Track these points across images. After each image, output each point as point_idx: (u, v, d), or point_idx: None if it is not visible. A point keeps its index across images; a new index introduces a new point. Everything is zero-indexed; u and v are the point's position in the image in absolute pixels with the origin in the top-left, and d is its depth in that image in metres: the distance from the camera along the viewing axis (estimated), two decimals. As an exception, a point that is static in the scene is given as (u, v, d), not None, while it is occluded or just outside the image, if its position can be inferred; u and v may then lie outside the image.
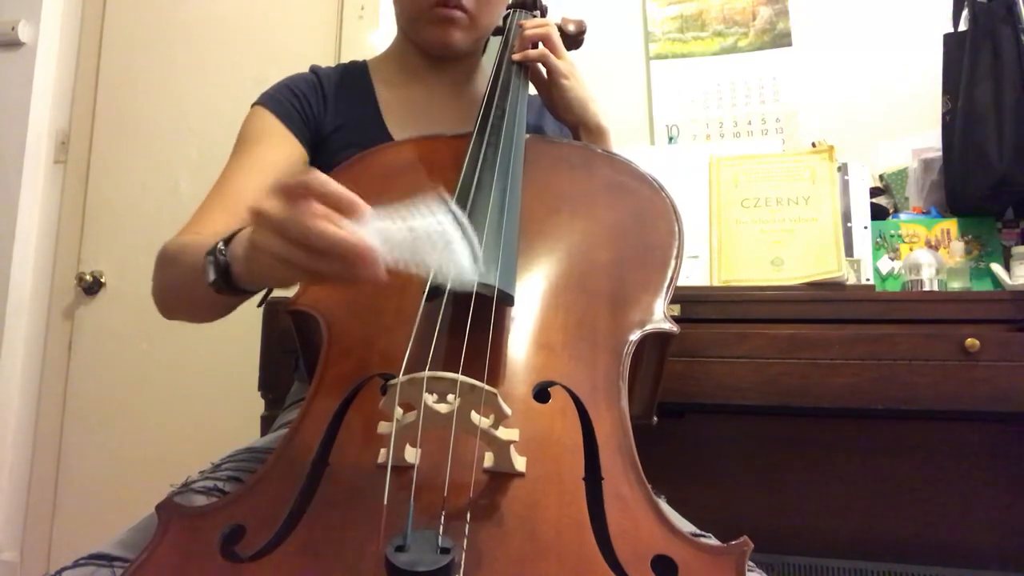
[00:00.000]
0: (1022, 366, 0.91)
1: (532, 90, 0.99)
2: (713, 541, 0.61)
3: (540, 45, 0.97)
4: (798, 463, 1.22)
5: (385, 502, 0.47)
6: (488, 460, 0.51)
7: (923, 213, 1.44)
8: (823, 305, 1.03)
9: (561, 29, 1.03)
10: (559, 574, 0.46)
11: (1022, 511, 1.17)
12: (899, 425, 1.16)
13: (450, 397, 0.50)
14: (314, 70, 1.02)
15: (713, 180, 1.30)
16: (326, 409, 0.58)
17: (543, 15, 1.11)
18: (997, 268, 1.28)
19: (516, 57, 0.95)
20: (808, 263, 1.18)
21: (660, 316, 0.66)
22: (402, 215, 0.49)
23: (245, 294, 0.66)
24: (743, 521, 0.70)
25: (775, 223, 1.23)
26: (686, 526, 0.66)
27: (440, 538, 0.44)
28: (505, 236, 0.65)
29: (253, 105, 0.96)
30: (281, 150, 0.92)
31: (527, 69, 0.96)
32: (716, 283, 1.21)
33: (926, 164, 1.48)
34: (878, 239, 1.37)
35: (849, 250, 1.26)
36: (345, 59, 1.16)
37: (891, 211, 1.47)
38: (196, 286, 0.64)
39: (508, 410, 0.49)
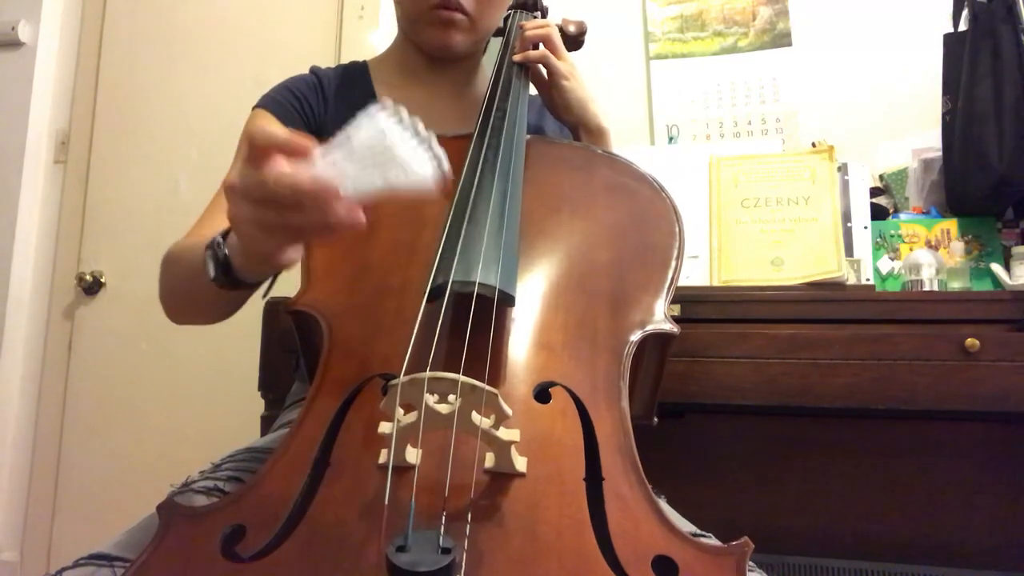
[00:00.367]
0: (1022, 366, 0.91)
1: (533, 91, 0.99)
2: (713, 541, 0.61)
3: (541, 46, 0.97)
4: (798, 463, 1.22)
5: (386, 502, 0.47)
6: (489, 460, 0.51)
7: (923, 213, 1.44)
8: (823, 305, 1.03)
9: (562, 30, 1.03)
10: (560, 574, 0.46)
11: (1022, 511, 1.17)
12: (899, 425, 1.16)
13: (451, 397, 0.50)
14: (314, 71, 1.02)
15: (713, 180, 1.31)
16: (327, 409, 0.58)
17: (544, 16, 1.11)
18: (997, 268, 1.28)
19: (517, 58, 0.95)
20: (808, 263, 1.18)
21: (661, 316, 0.66)
22: (343, 135, 0.49)
23: (247, 288, 0.66)
24: (743, 521, 0.70)
25: (775, 223, 1.23)
26: (686, 526, 0.66)
27: (441, 538, 0.44)
28: (506, 237, 0.65)
29: (254, 108, 0.96)
30: None
31: (528, 70, 0.96)
32: (716, 283, 1.21)
33: (926, 164, 1.48)
34: (878, 239, 1.37)
35: (849, 250, 1.26)
36: (345, 59, 1.16)
37: (891, 211, 1.47)
38: (199, 285, 0.65)
39: (509, 410, 0.49)
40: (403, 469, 0.51)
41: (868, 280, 1.25)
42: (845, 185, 1.30)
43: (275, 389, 1.10)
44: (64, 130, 2.13)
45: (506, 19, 1.05)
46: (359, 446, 0.55)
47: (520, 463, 0.52)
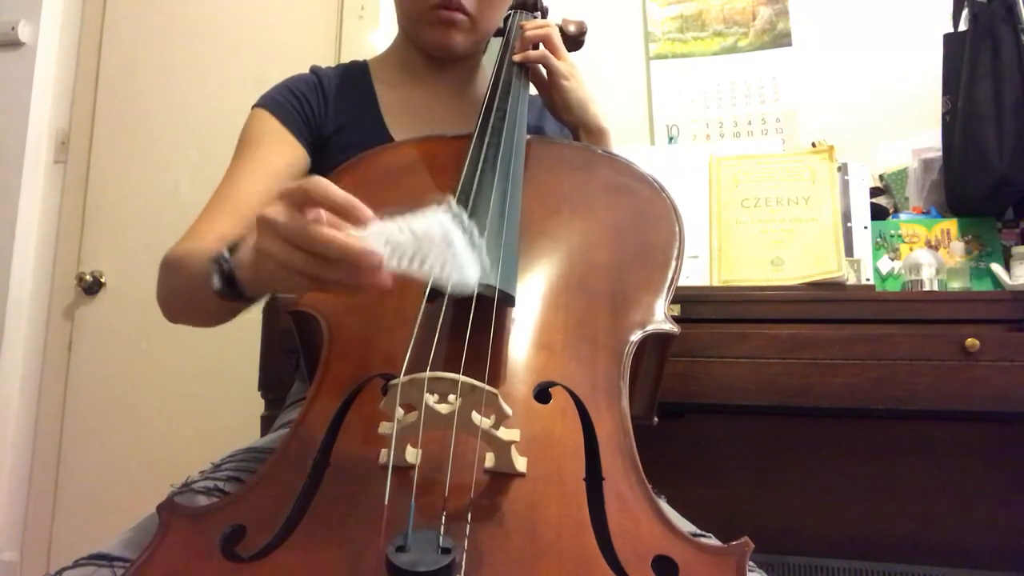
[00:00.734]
0: (1022, 366, 0.91)
1: (533, 91, 0.99)
2: (713, 541, 0.61)
3: (541, 46, 0.97)
4: (798, 463, 1.22)
5: (386, 502, 0.47)
6: (489, 460, 0.51)
7: (923, 213, 1.44)
8: (823, 305, 1.03)
9: (562, 30, 1.03)
10: (560, 574, 0.46)
11: (1022, 511, 1.17)
12: (899, 425, 1.16)
13: (451, 397, 0.50)
14: (314, 71, 1.01)
15: (713, 180, 1.30)
16: (327, 409, 0.58)
17: (544, 16, 1.11)
18: (997, 268, 1.28)
19: (517, 58, 0.95)
20: (808, 263, 1.18)
21: (661, 316, 0.66)
22: (404, 218, 0.49)
23: (250, 300, 0.66)
24: (743, 521, 0.70)
25: (775, 223, 1.23)
26: (686, 526, 0.66)
27: (441, 538, 0.44)
28: (506, 237, 0.65)
29: (253, 107, 0.96)
30: (282, 153, 0.92)
31: (528, 70, 0.96)
32: (716, 283, 1.21)
33: (926, 164, 1.48)
34: (878, 239, 1.37)
35: (849, 250, 1.26)
36: (345, 59, 1.16)
37: (891, 211, 1.47)
38: (201, 293, 0.65)
39: (509, 410, 0.49)
40: (403, 469, 0.51)
41: (868, 280, 1.25)
42: (845, 185, 1.30)
43: (275, 389, 1.10)
44: (64, 130, 2.13)
45: (506, 19, 1.05)
46: (359, 446, 0.55)
47: (520, 463, 0.52)
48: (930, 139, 1.49)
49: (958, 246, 1.34)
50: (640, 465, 0.55)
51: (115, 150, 2.09)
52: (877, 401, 0.93)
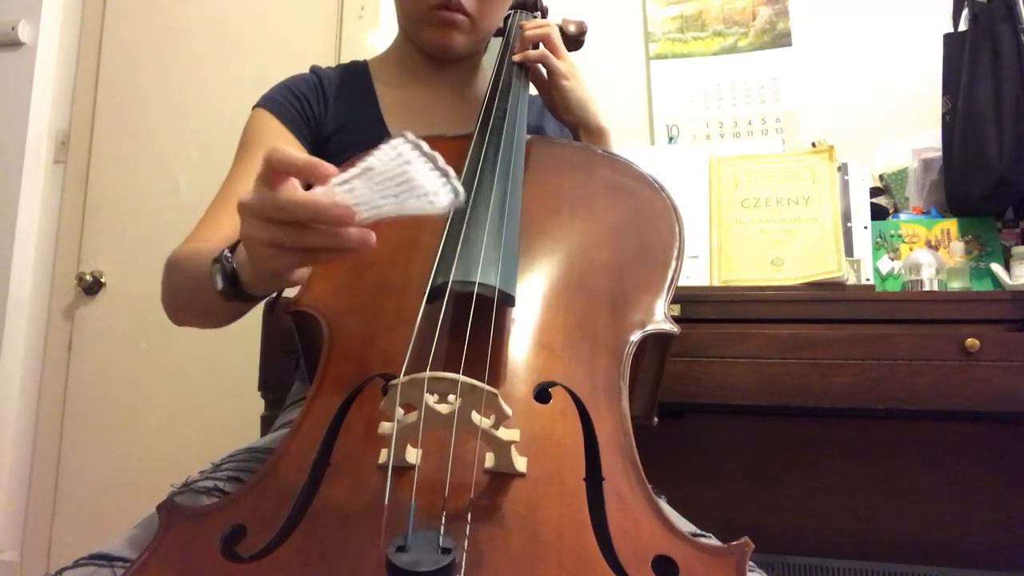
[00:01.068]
0: (1022, 366, 0.91)
1: (533, 91, 0.99)
2: (713, 541, 0.61)
3: (541, 46, 0.97)
4: (798, 463, 1.22)
5: (386, 502, 0.47)
6: (489, 460, 0.51)
7: (923, 213, 1.44)
8: (823, 305, 1.03)
9: (562, 30, 1.03)
10: (560, 574, 0.46)
11: (1021, 511, 1.17)
12: (899, 425, 1.16)
13: (451, 398, 0.50)
14: (314, 70, 1.01)
15: (713, 180, 1.30)
16: (327, 409, 0.58)
17: (544, 16, 1.11)
18: (997, 268, 1.28)
19: (517, 58, 0.95)
20: (808, 263, 1.18)
21: (661, 316, 0.66)
22: (364, 160, 0.49)
23: (254, 300, 0.66)
24: (743, 521, 0.70)
25: (775, 223, 1.23)
26: (686, 526, 0.66)
27: (441, 538, 0.44)
28: (506, 237, 0.65)
29: (254, 107, 0.96)
30: None
31: (528, 70, 0.96)
32: (716, 283, 1.21)
33: (926, 164, 1.48)
34: (878, 239, 1.37)
35: (849, 250, 1.26)
36: (345, 59, 1.16)
37: (891, 211, 1.47)
38: (205, 293, 0.65)
39: (509, 410, 0.49)
40: (403, 469, 0.51)
41: (868, 280, 1.25)
42: (845, 185, 1.30)
43: (275, 389, 1.10)
44: (64, 130, 2.13)
45: (506, 19, 1.05)
46: (359, 446, 0.55)
47: (520, 463, 0.52)
48: (930, 139, 1.49)
49: (958, 246, 1.34)
50: (640, 465, 0.55)
51: (115, 150, 2.09)
52: (877, 401, 0.93)
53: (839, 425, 1.18)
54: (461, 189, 0.50)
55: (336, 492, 0.52)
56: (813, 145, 1.41)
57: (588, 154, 0.88)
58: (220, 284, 0.62)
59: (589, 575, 0.46)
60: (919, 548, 1.21)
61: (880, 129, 1.63)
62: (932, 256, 1.24)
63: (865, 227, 1.29)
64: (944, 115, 1.41)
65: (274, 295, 0.92)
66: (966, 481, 1.19)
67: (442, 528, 0.45)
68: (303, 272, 0.56)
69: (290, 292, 0.70)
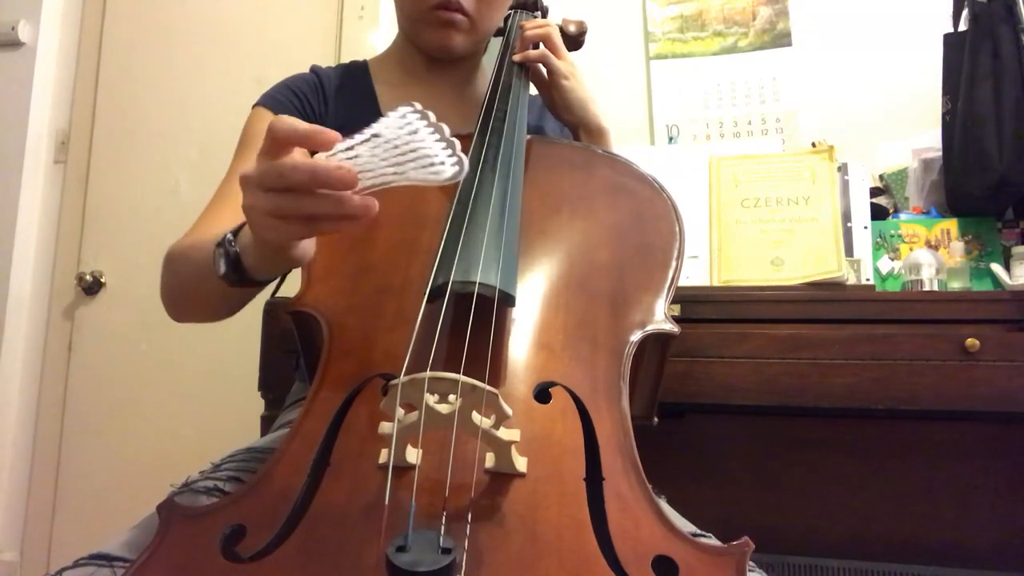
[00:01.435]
0: (1022, 366, 0.91)
1: (533, 91, 0.99)
2: (713, 541, 0.61)
3: (541, 46, 0.97)
4: (798, 463, 1.22)
5: (386, 502, 0.47)
6: (489, 460, 0.51)
7: (923, 213, 1.44)
8: (823, 305, 1.03)
9: (562, 30, 1.03)
10: (560, 574, 0.46)
11: (1022, 511, 1.17)
12: (899, 425, 1.16)
13: (451, 397, 0.50)
14: (314, 70, 1.02)
15: (713, 180, 1.30)
16: (327, 409, 0.58)
17: (544, 16, 1.11)
18: (997, 268, 1.28)
19: (517, 58, 0.95)
20: (808, 263, 1.18)
21: (661, 316, 0.66)
22: (369, 128, 0.49)
23: (257, 286, 0.66)
24: (743, 521, 0.70)
25: (775, 223, 1.23)
26: (687, 526, 0.66)
27: (441, 538, 0.44)
28: (506, 237, 0.65)
29: (254, 106, 0.96)
30: None
31: (528, 70, 0.96)
32: (716, 283, 1.21)
33: (926, 164, 1.48)
34: (878, 239, 1.37)
35: (849, 250, 1.26)
36: (345, 59, 1.16)
37: (891, 211, 1.47)
38: (207, 282, 0.65)
39: (509, 410, 0.49)
40: (403, 469, 0.51)
41: (868, 280, 1.25)
42: (845, 185, 1.30)
43: (275, 389, 1.09)
44: (64, 130, 2.13)
45: (506, 19, 1.05)
46: (359, 446, 0.55)
47: (520, 463, 0.52)
48: (930, 139, 1.49)
49: (958, 246, 1.34)
50: (640, 465, 0.55)
51: (115, 150, 2.09)
52: (877, 401, 0.93)
53: (839, 425, 1.18)
54: (466, 161, 0.50)
55: (336, 492, 0.52)
56: (813, 145, 1.41)
57: (588, 154, 0.88)
58: (223, 268, 0.62)
59: (589, 575, 0.46)
60: (919, 548, 1.21)
61: (880, 129, 1.63)
62: (932, 256, 1.24)
63: (865, 227, 1.29)
64: (944, 115, 1.41)
65: (274, 288, 0.92)
66: (966, 481, 1.19)
67: (442, 528, 0.45)
68: (307, 248, 0.56)
69: (290, 292, 0.70)
